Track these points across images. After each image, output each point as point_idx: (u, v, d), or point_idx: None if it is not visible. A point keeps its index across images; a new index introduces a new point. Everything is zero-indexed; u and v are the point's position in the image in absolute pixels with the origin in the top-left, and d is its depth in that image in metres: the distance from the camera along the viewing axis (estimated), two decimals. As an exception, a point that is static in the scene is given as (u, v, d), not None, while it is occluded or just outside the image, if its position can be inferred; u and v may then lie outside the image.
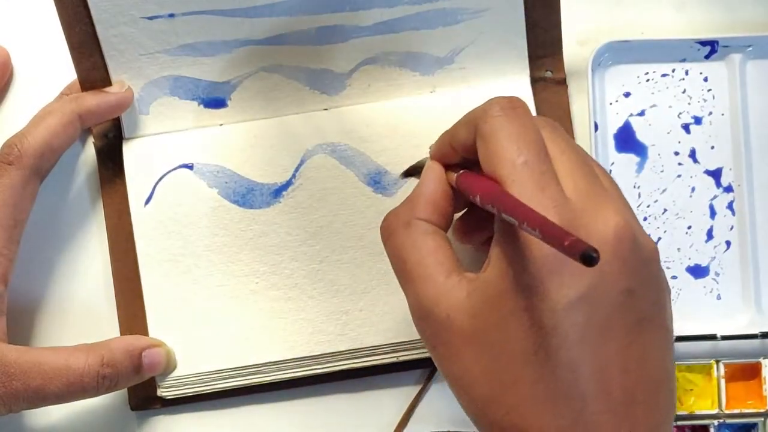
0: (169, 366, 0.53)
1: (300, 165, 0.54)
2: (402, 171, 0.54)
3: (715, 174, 0.56)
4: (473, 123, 0.43)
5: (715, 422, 0.54)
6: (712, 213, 0.55)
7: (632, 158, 0.56)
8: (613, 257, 0.39)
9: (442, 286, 0.42)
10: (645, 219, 0.55)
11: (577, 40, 0.57)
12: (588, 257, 0.33)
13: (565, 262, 0.38)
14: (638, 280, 0.40)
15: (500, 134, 0.41)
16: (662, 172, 0.55)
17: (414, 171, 0.52)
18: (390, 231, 0.44)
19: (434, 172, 0.46)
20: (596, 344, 0.39)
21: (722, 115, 0.56)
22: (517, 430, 0.39)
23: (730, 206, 0.55)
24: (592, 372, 0.39)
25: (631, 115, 0.56)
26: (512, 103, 0.42)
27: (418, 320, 0.43)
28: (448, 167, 0.46)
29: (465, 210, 0.48)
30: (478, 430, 0.42)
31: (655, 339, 0.40)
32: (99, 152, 0.56)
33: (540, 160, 0.40)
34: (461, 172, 0.44)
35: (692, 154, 0.56)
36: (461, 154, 0.45)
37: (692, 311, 0.55)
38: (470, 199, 0.43)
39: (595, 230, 0.39)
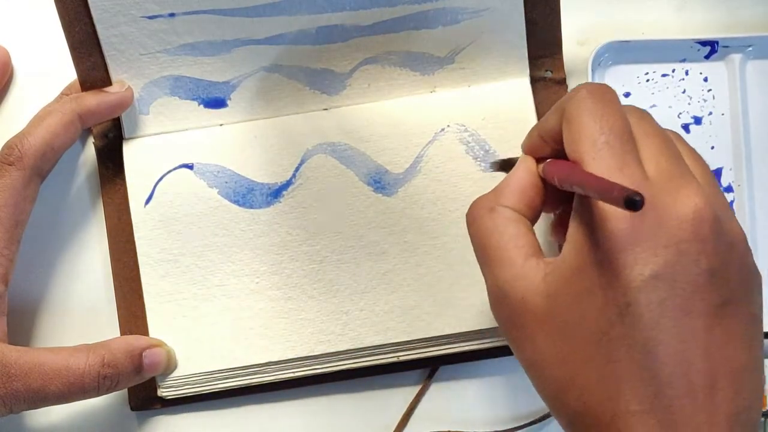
0: (170, 366, 0.53)
1: (300, 165, 0.54)
2: (492, 162, 0.52)
3: (715, 174, 0.56)
4: (560, 108, 0.42)
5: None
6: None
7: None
8: (693, 236, 0.38)
9: (519, 269, 0.41)
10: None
11: (577, 40, 0.57)
12: (631, 201, 0.32)
13: (640, 238, 0.37)
14: (721, 261, 0.38)
15: (584, 114, 0.40)
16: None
17: (506, 165, 0.51)
18: (474, 216, 0.44)
19: (524, 162, 0.45)
20: (675, 325, 0.37)
21: (722, 115, 0.56)
22: (590, 414, 0.38)
23: (730, 206, 0.55)
24: (669, 354, 0.37)
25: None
26: (600, 88, 0.42)
27: (494, 304, 0.43)
28: (539, 160, 0.45)
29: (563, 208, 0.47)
30: (553, 415, 0.41)
31: (741, 324, 0.39)
32: (99, 152, 0.56)
33: (622, 140, 0.40)
34: (548, 161, 0.44)
35: (692, 154, 0.56)
36: (551, 146, 0.44)
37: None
38: (553, 183, 0.42)
39: (674, 210, 0.38)
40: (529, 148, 0.46)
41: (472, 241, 0.44)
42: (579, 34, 0.57)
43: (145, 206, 0.54)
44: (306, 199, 0.54)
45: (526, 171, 0.45)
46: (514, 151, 0.54)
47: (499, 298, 0.42)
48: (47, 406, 0.50)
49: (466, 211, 0.53)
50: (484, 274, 0.43)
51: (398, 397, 0.55)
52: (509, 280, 0.41)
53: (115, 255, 0.56)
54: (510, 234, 0.42)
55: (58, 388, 0.49)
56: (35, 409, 0.50)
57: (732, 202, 0.55)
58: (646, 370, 0.37)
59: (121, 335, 0.55)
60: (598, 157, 0.39)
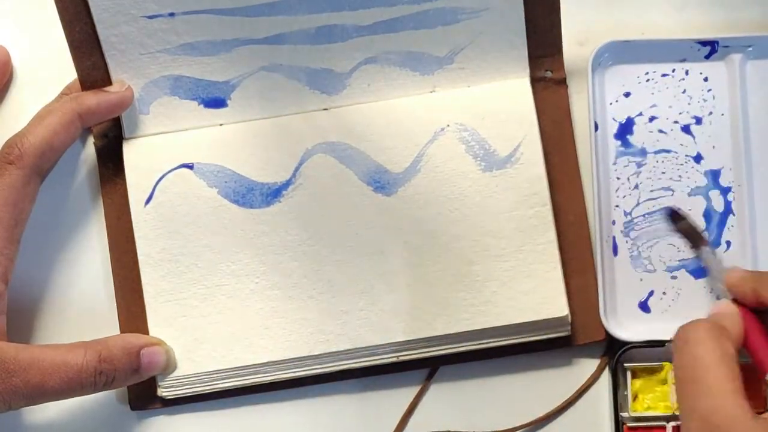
0: (169, 365, 0.53)
1: (300, 164, 0.54)
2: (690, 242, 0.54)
3: (715, 174, 0.55)
4: None
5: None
6: (713, 213, 0.55)
7: (632, 158, 0.56)
8: None
9: (741, 408, 0.42)
10: (644, 215, 0.55)
11: (577, 40, 0.57)
12: None
13: None
14: None
15: None
16: (662, 172, 0.55)
17: (691, 235, 0.54)
18: (695, 338, 0.44)
19: (736, 311, 0.48)
20: None
21: (722, 115, 0.56)
22: None
23: (730, 206, 0.55)
24: None
25: (631, 115, 0.56)
26: None
27: (701, 427, 0.42)
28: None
29: None
30: None
31: None
32: (99, 152, 0.56)
33: None
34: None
35: (692, 154, 0.56)
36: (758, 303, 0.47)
37: (692, 311, 0.55)
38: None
39: None
40: (736, 292, 0.49)
41: (685, 359, 0.44)
42: (579, 34, 0.57)
43: (145, 206, 0.54)
44: (306, 199, 0.54)
45: (739, 318, 0.47)
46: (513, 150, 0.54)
47: (710, 426, 0.42)
48: (45, 402, 0.50)
49: (465, 210, 0.53)
50: (691, 395, 0.43)
51: (398, 397, 0.55)
52: (732, 415, 0.42)
53: (115, 255, 0.56)
54: (735, 372, 0.43)
55: (56, 383, 0.49)
56: (34, 405, 0.50)
57: (731, 202, 0.55)
58: None
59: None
60: None
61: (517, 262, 0.53)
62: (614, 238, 0.55)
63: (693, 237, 0.53)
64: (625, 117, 0.56)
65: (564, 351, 0.55)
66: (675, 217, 0.54)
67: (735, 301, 0.49)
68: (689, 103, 0.56)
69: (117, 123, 0.56)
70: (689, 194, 0.55)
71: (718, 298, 0.52)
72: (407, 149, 0.54)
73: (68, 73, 0.55)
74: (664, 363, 0.53)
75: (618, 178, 0.55)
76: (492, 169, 0.54)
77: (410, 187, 0.54)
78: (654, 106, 0.56)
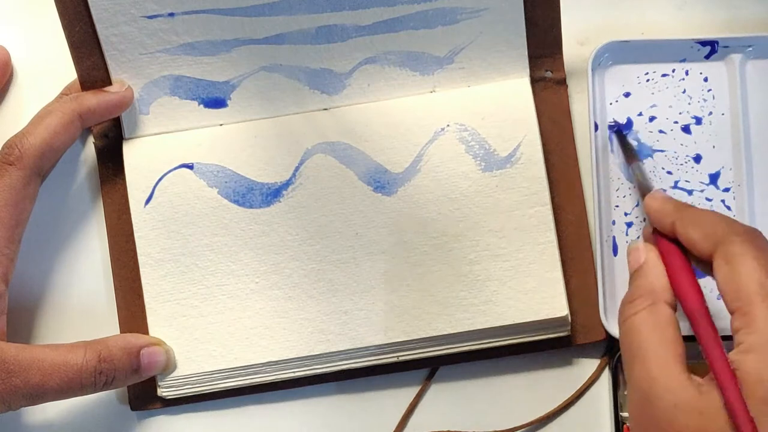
0: (169, 365, 0.53)
1: (300, 164, 0.54)
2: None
3: (715, 174, 0.56)
4: (711, 239, 0.44)
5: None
6: (712, 213, 0.55)
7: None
8: None
9: (677, 377, 0.42)
10: (644, 219, 0.55)
11: (577, 40, 0.57)
12: None
13: None
14: None
15: (746, 258, 0.42)
16: (662, 172, 0.55)
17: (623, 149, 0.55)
18: (630, 310, 0.45)
19: (653, 252, 0.47)
20: None
21: (722, 115, 0.56)
22: None
23: (729, 207, 0.55)
24: None
25: (631, 115, 0.56)
26: (755, 231, 0.44)
27: (641, 401, 0.43)
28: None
29: None
30: None
31: None
32: (99, 152, 0.56)
33: None
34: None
35: (692, 155, 0.56)
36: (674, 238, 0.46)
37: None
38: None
39: None
40: (657, 225, 0.48)
41: (625, 336, 0.45)
42: (579, 34, 0.57)
43: (145, 206, 0.54)
44: (306, 199, 0.54)
45: (661, 262, 0.46)
46: (513, 150, 0.54)
47: (648, 397, 0.42)
48: (46, 402, 0.50)
49: (465, 210, 0.53)
50: (631, 369, 0.44)
51: (398, 397, 0.55)
52: (664, 384, 0.42)
53: (115, 255, 0.56)
54: (669, 338, 0.43)
55: (56, 383, 0.49)
56: (33, 405, 0.50)
57: (731, 202, 0.55)
58: None
59: (120, 334, 0.55)
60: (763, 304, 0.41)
61: (517, 261, 0.53)
62: (614, 238, 0.55)
63: (626, 151, 0.54)
64: (625, 117, 0.56)
65: (564, 351, 0.55)
66: (618, 133, 0.55)
67: (656, 231, 0.48)
68: (689, 103, 0.56)
69: (117, 123, 0.56)
70: (689, 194, 0.55)
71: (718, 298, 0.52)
72: (407, 149, 0.54)
73: (68, 73, 0.55)
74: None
75: (618, 178, 0.55)
76: (492, 169, 0.54)
77: (410, 187, 0.54)
78: (654, 106, 0.56)
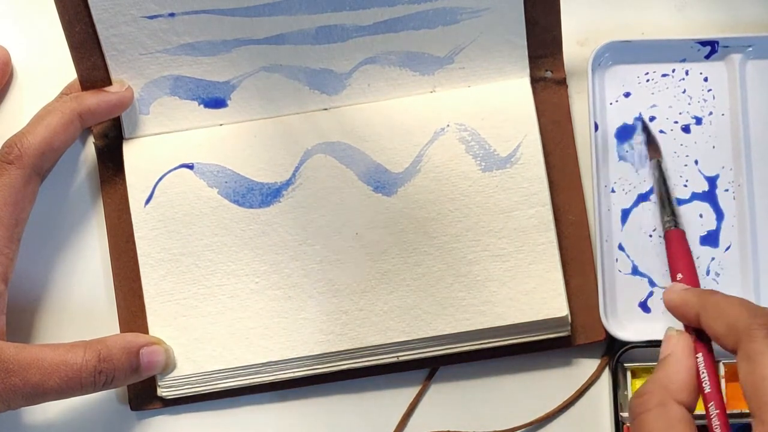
0: (168, 365, 0.53)
1: (300, 164, 0.54)
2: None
3: (715, 175, 0.55)
4: (734, 332, 0.41)
5: (716, 422, 0.54)
6: (712, 213, 0.55)
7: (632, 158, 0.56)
8: None
9: None
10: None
11: (577, 40, 0.57)
12: None
13: None
14: None
15: (767, 357, 0.40)
16: (662, 172, 0.56)
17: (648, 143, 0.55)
18: (641, 408, 0.43)
19: (684, 341, 0.45)
20: None
21: (722, 115, 0.56)
22: None
23: (730, 206, 0.55)
24: None
25: (631, 115, 0.56)
26: None
27: None
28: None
29: None
30: None
31: None
32: (99, 152, 0.56)
33: None
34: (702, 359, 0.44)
35: (692, 155, 0.56)
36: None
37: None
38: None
39: None
40: (681, 317, 0.45)
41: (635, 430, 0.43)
42: (579, 34, 0.57)
43: (145, 206, 0.54)
44: (306, 199, 0.54)
45: (688, 356, 0.44)
46: (513, 150, 0.54)
47: None
48: (45, 401, 0.50)
49: (465, 210, 0.53)
50: None
51: (398, 397, 0.55)
52: None
53: (115, 255, 0.56)
54: None
55: (56, 383, 0.49)
56: (33, 404, 0.50)
57: (731, 202, 0.55)
58: None
59: (120, 334, 0.55)
60: None
61: (517, 262, 0.53)
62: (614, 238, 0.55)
63: (650, 145, 0.55)
64: (625, 117, 0.56)
65: (564, 351, 0.55)
66: (644, 126, 0.55)
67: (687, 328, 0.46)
68: (689, 103, 0.56)
69: (117, 123, 0.56)
70: (689, 194, 0.55)
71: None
72: (407, 149, 0.54)
73: (68, 73, 0.55)
74: (664, 363, 0.53)
75: (619, 178, 0.55)
76: (492, 169, 0.54)
77: (410, 187, 0.54)
78: (654, 106, 0.56)
